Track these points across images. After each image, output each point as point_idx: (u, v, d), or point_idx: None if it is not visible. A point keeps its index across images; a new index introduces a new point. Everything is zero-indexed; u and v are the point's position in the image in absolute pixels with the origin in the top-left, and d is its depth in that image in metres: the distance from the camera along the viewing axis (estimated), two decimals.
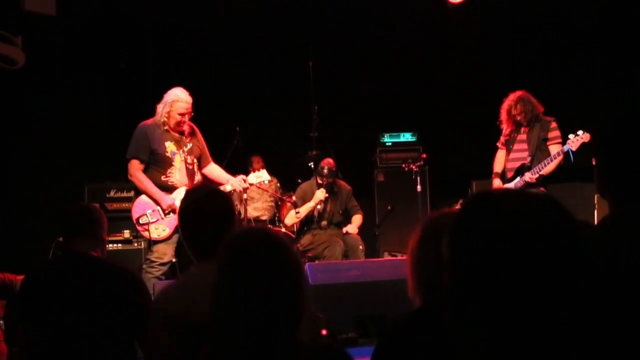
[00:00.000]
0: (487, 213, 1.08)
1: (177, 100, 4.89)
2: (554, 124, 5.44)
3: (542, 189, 5.33)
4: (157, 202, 4.88)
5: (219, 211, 2.35)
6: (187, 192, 2.60)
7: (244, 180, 5.12)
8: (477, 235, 1.07)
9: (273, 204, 6.94)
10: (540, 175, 5.39)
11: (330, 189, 6.22)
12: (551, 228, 1.06)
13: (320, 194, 6.07)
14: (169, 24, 7.21)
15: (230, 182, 5.12)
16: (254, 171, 5.56)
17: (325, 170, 6.19)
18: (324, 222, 6.26)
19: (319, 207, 6.15)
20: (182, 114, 4.90)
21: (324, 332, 3.87)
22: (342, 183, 6.48)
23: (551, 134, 5.44)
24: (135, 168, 4.89)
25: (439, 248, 1.76)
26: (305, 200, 6.17)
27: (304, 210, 6.11)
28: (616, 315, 1.35)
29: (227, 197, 2.48)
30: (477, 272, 1.05)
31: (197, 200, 2.39)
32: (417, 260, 1.84)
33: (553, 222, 1.07)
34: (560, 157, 5.35)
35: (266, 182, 5.31)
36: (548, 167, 5.39)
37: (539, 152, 5.44)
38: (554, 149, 5.40)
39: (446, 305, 1.11)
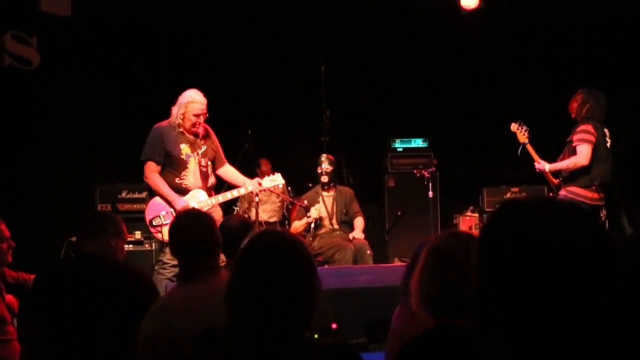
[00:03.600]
0: (516, 220, 1.09)
1: (192, 101, 4.89)
2: (580, 127, 5.32)
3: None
4: (171, 205, 4.89)
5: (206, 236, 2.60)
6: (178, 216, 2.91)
7: (259, 184, 5.13)
8: (505, 243, 1.07)
9: (281, 206, 6.96)
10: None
11: (334, 177, 6.41)
12: (579, 236, 1.06)
13: (314, 212, 6.15)
14: (181, 26, 7.24)
15: (246, 185, 5.11)
16: (262, 173, 5.58)
17: (324, 159, 6.36)
18: (334, 221, 6.34)
19: (319, 215, 6.23)
20: (197, 115, 4.90)
21: (334, 325, 3.87)
22: (343, 187, 6.59)
23: (575, 136, 5.33)
24: (151, 170, 4.89)
25: (446, 269, 1.79)
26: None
27: (302, 223, 6.25)
28: None
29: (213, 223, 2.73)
30: (505, 281, 1.06)
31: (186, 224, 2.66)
32: (426, 278, 1.86)
33: (580, 230, 1.07)
34: (570, 159, 5.34)
35: (280, 186, 5.32)
36: (555, 165, 5.44)
37: (571, 154, 5.36)
38: (578, 149, 5.30)
39: (473, 312, 1.11)
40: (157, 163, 4.89)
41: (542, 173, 5.61)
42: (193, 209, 4.21)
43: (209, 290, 2.42)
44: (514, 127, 5.66)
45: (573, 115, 5.44)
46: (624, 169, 1.68)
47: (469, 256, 1.75)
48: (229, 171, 5.26)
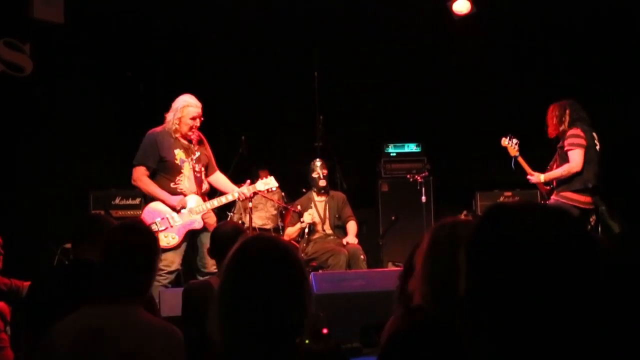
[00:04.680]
0: (504, 224, 1.10)
1: (188, 105, 4.94)
2: (570, 132, 5.37)
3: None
4: (166, 204, 4.90)
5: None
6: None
7: (249, 183, 5.17)
8: (494, 245, 1.09)
9: (277, 213, 6.97)
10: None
11: (329, 182, 6.47)
12: (564, 240, 1.08)
13: (307, 217, 6.16)
14: (176, 32, 7.24)
15: (234, 191, 5.15)
16: None
17: (320, 164, 6.39)
18: (327, 226, 6.34)
19: (313, 220, 6.24)
20: (194, 118, 4.95)
21: (324, 330, 3.87)
22: (336, 192, 6.61)
23: (566, 142, 5.39)
24: (140, 173, 4.90)
25: (451, 255, 1.78)
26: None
27: (296, 229, 6.26)
28: (631, 328, 1.36)
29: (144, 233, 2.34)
30: (493, 282, 1.07)
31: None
32: (430, 267, 1.84)
33: (566, 234, 1.09)
34: (563, 167, 5.36)
35: (274, 188, 5.35)
36: (549, 174, 5.47)
37: (562, 161, 5.42)
38: (570, 155, 5.35)
39: (461, 314, 1.13)
40: (149, 168, 4.91)
41: (535, 184, 5.65)
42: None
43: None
44: (504, 141, 5.71)
45: (560, 128, 5.43)
46: (606, 172, 1.71)
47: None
48: (219, 179, 5.29)
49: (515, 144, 5.66)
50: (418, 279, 1.85)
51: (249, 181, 5.27)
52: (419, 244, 1.96)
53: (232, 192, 5.16)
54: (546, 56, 7.46)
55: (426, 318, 1.80)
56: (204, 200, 5.05)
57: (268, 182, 5.25)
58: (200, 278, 4.76)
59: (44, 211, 6.27)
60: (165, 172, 4.93)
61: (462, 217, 7.17)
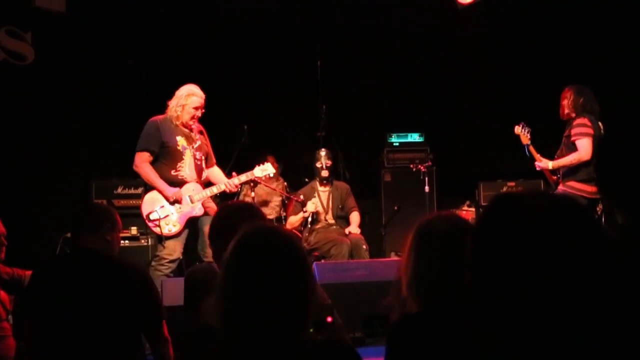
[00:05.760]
0: (510, 213, 1.09)
1: (192, 94, 4.95)
2: (577, 121, 5.32)
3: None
4: (161, 194, 4.90)
5: None
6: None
7: (235, 175, 5.18)
8: (500, 234, 1.07)
9: (280, 203, 6.96)
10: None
11: (333, 172, 6.48)
12: (572, 229, 1.06)
13: (311, 205, 6.15)
14: (178, 21, 7.22)
15: (222, 183, 5.15)
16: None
17: (324, 153, 6.40)
18: (329, 216, 6.33)
19: (317, 209, 6.23)
20: (197, 108, 4.96)
21: (329, 319, 3.87)
22: (339, 182, 6.61)
23: (573, 131, 5.35)
24: (143, 159, 4.90)
25: (432, 250, 1.78)
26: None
27: (298, 218, 6.25)
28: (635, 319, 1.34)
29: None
30: (499, 275, 1.05)
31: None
32: (413, 262, 1.84)
33: (573, 223, 1.07)
34: (573, 155, 5.33)
35: (271, 174, 5.35)
36: (557, 162, 5.45)
37: (569, 150, 5.39)
38: (578, 144, 5.30)
39: (467, 304, 1.11)
40: (152, 153, 4.91)
41: (542, 171, 5.62)
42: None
43: None
44: (517, 129, 5.68)
45: (566, 112, 5.43)
46: (602, 162, 1.69)
47: (455, 237, 1.74)
48: (214, 172, 5.31)
49: (528, 132, 5.64)
50: (403, 271, 1.85)
51: (234, 173, 5.29)
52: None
53: (222, 182, 5.16)
54: (550, 45, 7.42)
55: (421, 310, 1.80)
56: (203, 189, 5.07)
57: (265, 169, 5.25)
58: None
59: (46, 201, 6.27)
60: (166, 158, 4.93)
61: (465, 207, 7.18)
